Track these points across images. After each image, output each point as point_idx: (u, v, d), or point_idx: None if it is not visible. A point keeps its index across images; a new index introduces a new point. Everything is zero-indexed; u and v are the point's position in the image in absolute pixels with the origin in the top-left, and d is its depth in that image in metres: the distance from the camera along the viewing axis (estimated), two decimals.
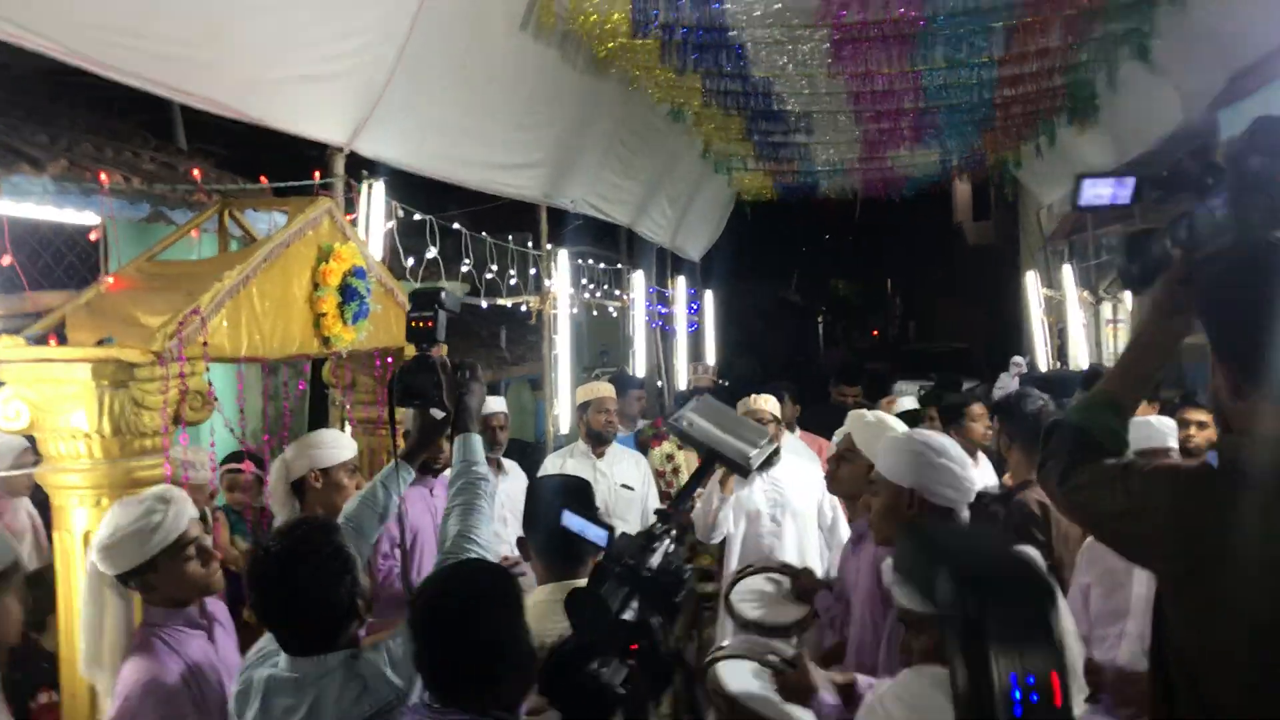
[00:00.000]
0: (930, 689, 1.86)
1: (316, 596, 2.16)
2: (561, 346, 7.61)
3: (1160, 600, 1.70)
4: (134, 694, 2.43)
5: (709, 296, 14.00)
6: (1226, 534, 1.55)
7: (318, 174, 4.58)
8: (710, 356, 13.75)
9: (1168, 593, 1.68)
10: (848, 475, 3.70)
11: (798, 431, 6.22)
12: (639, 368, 10.29)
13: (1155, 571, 1.69)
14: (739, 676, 2.60)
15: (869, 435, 3.59)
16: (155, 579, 2.59)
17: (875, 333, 39.07)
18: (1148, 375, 1.82)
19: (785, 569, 3.87)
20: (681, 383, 11.59)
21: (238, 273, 3.25)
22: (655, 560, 1.66)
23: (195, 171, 4.46)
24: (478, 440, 2.66)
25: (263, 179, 4.46)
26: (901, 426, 3.67)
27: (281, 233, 3.54)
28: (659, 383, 11.87)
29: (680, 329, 12.50)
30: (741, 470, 1.96)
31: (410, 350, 2.67)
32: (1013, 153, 10.44)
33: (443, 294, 2.56)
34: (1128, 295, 9.08)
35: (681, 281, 12.66)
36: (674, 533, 1.74)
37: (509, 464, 5.10)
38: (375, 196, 4.96)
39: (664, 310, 12.04)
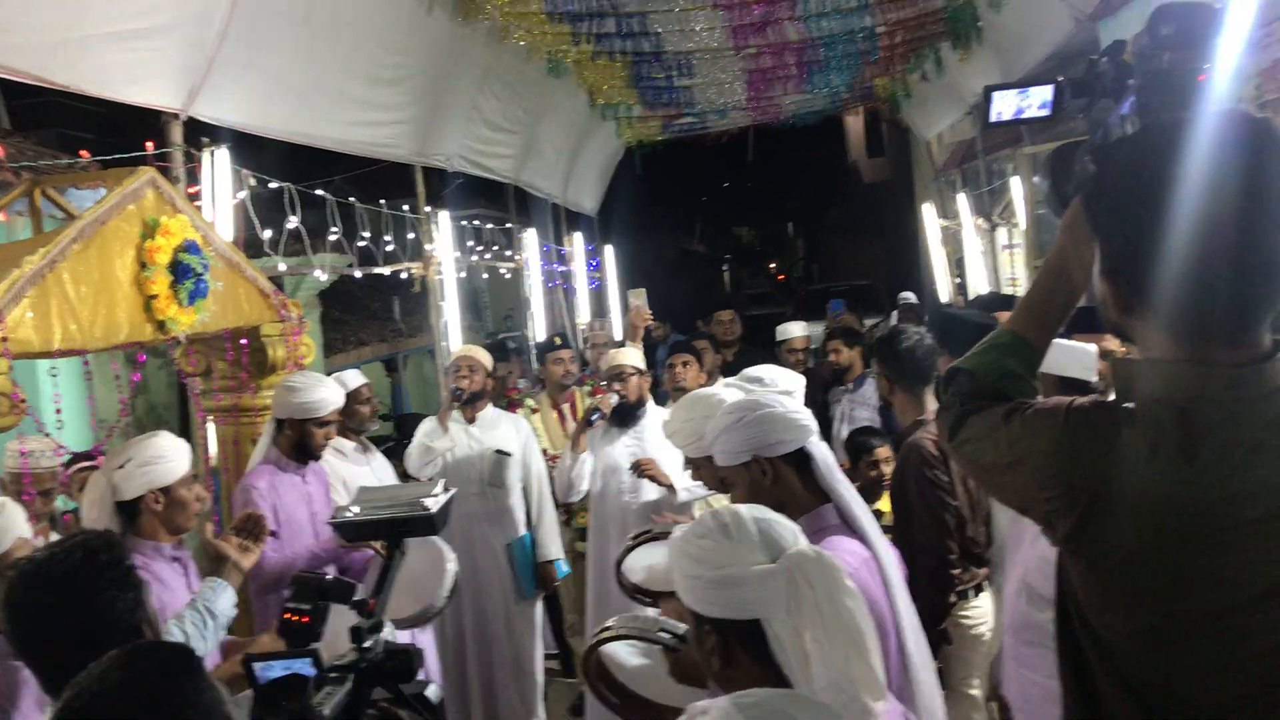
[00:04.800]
0: None
1: (94, 620, 1.73)
2: (450, 313, 7.26)
3: (1060, 562, 1.46)
4: None
5: (609, 252, 13.68)
6: (1120, 475, 1.30)
7: (150, 144, 4.17)
8: (614, 313, 13.46)
9: (1063, 551, 1.43)
10: (709, 475, 2.87)
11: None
12: (539, 329, 9.96)
13: (1043, 527, 1.42)
14: (627, 659, 2.31)
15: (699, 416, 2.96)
16: None
17: (781, 277, 39.17)
18: (1060, 309, 1.54)
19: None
20: (581, 340, 11.28)
21: (41, 256, 2.87)
22: (376, 651, 1.85)
23: None
24: None
25: (83, 153, 4.01)
26: (723, 392, 3.09)
27: (95, 208, 3.15)
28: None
29: (581, 287, 12.18)
30: (428, 527, 2.08)
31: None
32: (901, 83, 10.31)
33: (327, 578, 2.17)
34: (1021, 219, 8.96)
35: (579, 238, 12.31)
36: (383, 625, 1.92)
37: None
38: (219, 165, 4.54)
39: (562, 269, 11.70)
